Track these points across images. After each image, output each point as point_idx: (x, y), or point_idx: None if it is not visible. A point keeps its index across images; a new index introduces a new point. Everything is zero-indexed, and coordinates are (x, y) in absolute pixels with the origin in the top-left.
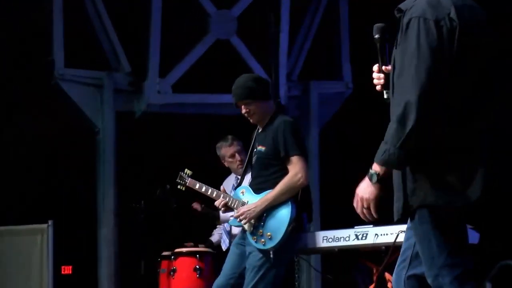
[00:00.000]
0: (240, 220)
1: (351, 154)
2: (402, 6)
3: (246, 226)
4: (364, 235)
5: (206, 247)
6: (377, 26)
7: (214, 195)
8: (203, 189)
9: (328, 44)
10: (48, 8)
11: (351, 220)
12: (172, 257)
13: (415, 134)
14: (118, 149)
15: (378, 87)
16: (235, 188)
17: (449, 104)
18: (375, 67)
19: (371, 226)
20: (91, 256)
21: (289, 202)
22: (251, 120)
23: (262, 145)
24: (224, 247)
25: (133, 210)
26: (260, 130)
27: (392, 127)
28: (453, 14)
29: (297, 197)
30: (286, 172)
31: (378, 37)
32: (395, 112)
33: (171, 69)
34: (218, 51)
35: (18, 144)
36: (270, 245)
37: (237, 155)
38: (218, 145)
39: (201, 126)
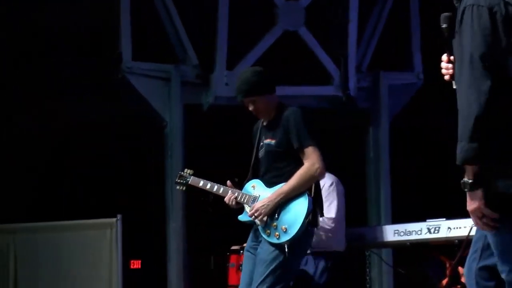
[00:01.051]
0: (255, 217)
1: (422, 146)
2: None
3: (260, 222)
4: (437, 228)
5: None
6: (444, 15)
7: (221, 191)
8: (208, 186)
9: (399, 33)
10: (116, 3)
11: (423, 213)
12: (241, 251)
13: (481, 123)
14: (186, 143)
15: (446, 77)
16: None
17: None
18: (444, 57)
19: (444, 219)
20: (160, 251)
21: (305, 195)
22: (258, 117)
23: (272, 138)
24: None
25: (202, 204)
26: (265, 123)
27: (460, 123)
28: None
29: (311, 192)
30: (298, 164)
31: (446, 27)
32: (459, 105)
33: (238, 61)
34: (286, 42)
35: (88, 136)
36: (284, 238)
37: None
38: None
39: None
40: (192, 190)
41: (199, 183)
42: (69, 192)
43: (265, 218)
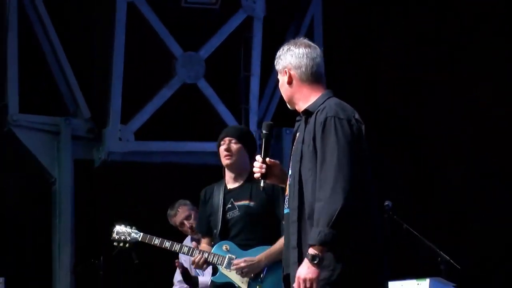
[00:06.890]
0: (242, 273)
1: None
2: (309, 108)
3: (241, 283)
4: None
5: None
6: (266, 123)
7: (182, 249)
8: (167, 245)
9: None
10: (2, 50)
11: None
12: None
13: (344, 213)
14: (76, 201)
15: (257, 175)
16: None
17: None
18: (259, 158)
19: None
20: None
21: None
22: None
23: (249, 200)
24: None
25: (91, 267)
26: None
27: (321, 209)
28: (357, 116)
29: None
30: (276, 228)
31: (265, 133)
32: (321, 196)
33: (133, 114)
34: (184, 95)
35: None
36: None
37: (185, 222)
38: (168, 214)
39: (166, 176)
40: (83, 252)
41: (153, 240)
42: None
43: (248, 279)
